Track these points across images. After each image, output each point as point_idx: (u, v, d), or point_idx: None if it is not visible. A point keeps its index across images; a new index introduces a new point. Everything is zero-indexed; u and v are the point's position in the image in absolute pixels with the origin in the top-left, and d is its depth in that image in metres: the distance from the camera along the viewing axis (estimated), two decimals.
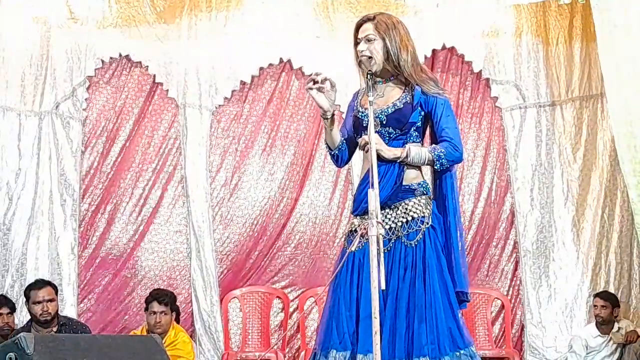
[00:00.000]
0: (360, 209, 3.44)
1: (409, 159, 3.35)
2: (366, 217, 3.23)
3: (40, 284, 5.40)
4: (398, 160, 3.36)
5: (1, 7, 6.37)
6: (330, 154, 3.62)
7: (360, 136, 3.44)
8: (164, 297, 5.58)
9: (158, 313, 5.49)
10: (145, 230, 6.69)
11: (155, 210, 6.72)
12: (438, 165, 3.39)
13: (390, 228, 3.36)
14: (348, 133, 3.59)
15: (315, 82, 3.43)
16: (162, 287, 6.38)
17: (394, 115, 3.40)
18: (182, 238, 6.74)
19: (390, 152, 3.35)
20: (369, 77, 3.34)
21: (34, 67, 6.49)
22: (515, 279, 6.96)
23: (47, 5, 6.51)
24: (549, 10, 7.00)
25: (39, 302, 5.25)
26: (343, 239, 3.61)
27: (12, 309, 5.67)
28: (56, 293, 5.42)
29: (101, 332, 6.26)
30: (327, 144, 3.59)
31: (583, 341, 6.42)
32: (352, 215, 3.56)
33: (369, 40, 3.43)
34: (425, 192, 3.43)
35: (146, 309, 5.69)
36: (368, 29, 3.44)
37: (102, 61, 6.69)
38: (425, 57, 6.77)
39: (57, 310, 5.38)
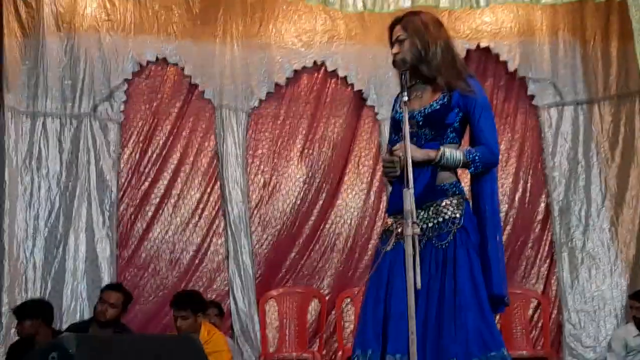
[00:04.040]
0: (393, 208, 3.43)
1: (442, 162, 3.34)
2: (399, 216, 3.25)
3: (114, 287, 5.54)
4: (432, 163, 3.34)
5: (40, 13, 6.50)
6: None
7: (398, 135, 3.45)
8: (178, 302, 5.47)
9: (179, 318, 5.42)
10: (183, 231, 6.77)
11: (194, 211, 6.80)
12: (472, 169, 3.37)
13: (422, 229, 3.27)
14: (393, 142, 3.55)
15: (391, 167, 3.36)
16: (200, 288, 6.46)
17: (430, 116, 3.38)
18: (220, 239, 6.81)
19: (423, 155, 3.33)
20: (402, 77, 3.33)
21: (72, 72, 6.60)
22: (551, 279, 6.91)
23: (84, 8, 6.63)
24: (586, 8, 6.93)
25: (103, 302, 5.39)
26: (378, 240, 3.62)
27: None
28: (128, 302, 5.52)
29: (141, 332, 6.33)
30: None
31: (622, 341, 6.34)
32: (386, 215, 3.57)
33: (399, 42, 3.45)
34: (457, 192, 3.40)
35: None
36: (397, 30, 3.47)
37: (140, 65, 6.79)
38: None
39: (118, 317, 5.45)
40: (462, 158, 3.35)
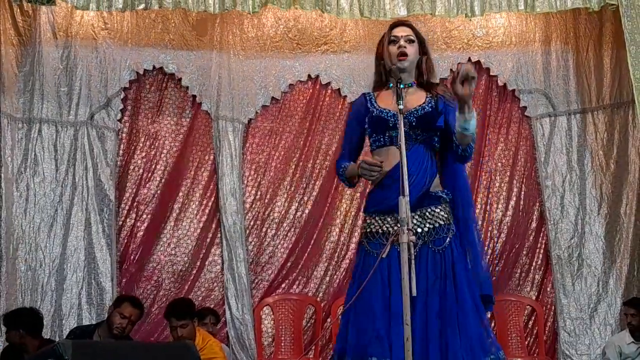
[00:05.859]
0: (373, 207, 3.45)
1: (472, 116, 3.32)
2: (387, 217, 3.33)
3: (135, 304, 5.44)
4: (466, 112, 3.30)
5: (37, 21, 6.52)
6: (350, 186, 3.69)
7: (383, 135, 3.48)
8: (178, 312, 5.46)
9: (178, 327, 5.39)
10: (184, 242, 6.78)
11: (194, 222, 6.81)
12: (468, 149, 3.40)
13: (416, 233, 3.32)
14: (354, 143, 3.64)
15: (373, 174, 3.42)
16: (198, 298, 6.47)
17: (423, 118, 3.46)
18: (218, 249, 6.81)
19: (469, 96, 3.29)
20: (398, 85, 3.39)
21: (69, 79, 6.63)
22: (546, 286, 6.93)
23: (81, 17, 6.65)
24: (579, 18, 6.97)
25: (123, 317, 5.31)
26: (361, 237, 3.56)
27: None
28: (140, 316, 5.47)
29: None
30: (349, 183, 3.62)
31: (617, 348, 6.36)
32: (364, 214, 3.55)
33: (410, 41, 3.53)
34: (447, 200, 3.47)
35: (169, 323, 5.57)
36: (407, 30, 3.56)
37: (137, 73, 6.81)
38: (451, 71, 6.79)
39: (129, 333, 5.42)
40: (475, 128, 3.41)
